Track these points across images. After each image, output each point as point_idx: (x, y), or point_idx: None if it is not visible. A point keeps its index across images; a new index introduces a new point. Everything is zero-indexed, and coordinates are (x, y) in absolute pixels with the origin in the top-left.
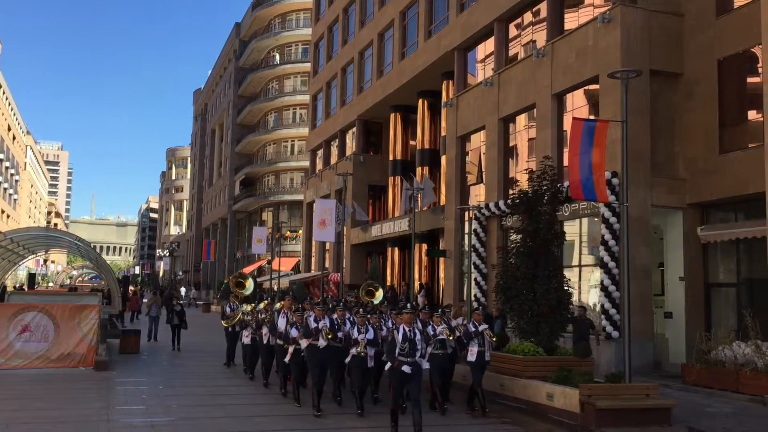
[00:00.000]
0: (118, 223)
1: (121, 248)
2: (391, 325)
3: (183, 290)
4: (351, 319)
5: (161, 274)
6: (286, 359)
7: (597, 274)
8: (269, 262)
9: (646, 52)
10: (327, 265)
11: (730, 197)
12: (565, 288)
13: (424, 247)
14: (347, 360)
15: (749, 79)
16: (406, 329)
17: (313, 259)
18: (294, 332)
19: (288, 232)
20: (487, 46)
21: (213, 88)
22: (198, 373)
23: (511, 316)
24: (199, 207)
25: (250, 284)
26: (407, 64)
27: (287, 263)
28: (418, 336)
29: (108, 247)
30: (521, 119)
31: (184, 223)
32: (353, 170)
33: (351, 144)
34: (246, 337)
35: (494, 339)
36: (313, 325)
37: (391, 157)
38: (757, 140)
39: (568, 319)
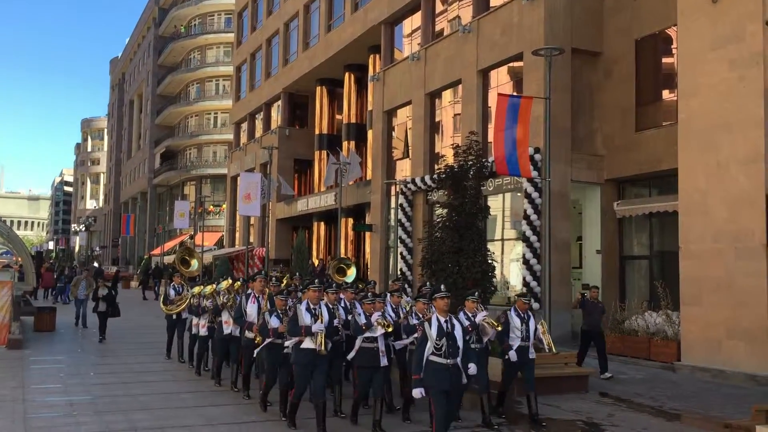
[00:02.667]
0: (29, 197)
1: (33, 223)
2: (391, 312)
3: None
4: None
5: (77, 249)
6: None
7: (519, 248)
8: (192, 237)
9: (568, 30)
10: (252, 239)
11: (644, 173)
12: (489, 261)
13: (351, 221)
14: (351, 355)
15: (664, 59)
16: (441, 320)
17: (237, 234)
18: (275, 322)
19: (211, 207)
20: (414, 21)
21: (131, 57)
22: (119, 350)
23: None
24: (117, 180)
25: (195, 262)
26: (334, 37)
27: (210, 238)
28: (458, 329)
29: (19, 222)
30: (447, 94)
31: (101, 196)
32: (279, 144)
33: (276, 117)
34: (202, 327)
35: (499, 328)
36: (305, 320)
37: (317, 131)
38: (671, 119)
39: (580, 302)
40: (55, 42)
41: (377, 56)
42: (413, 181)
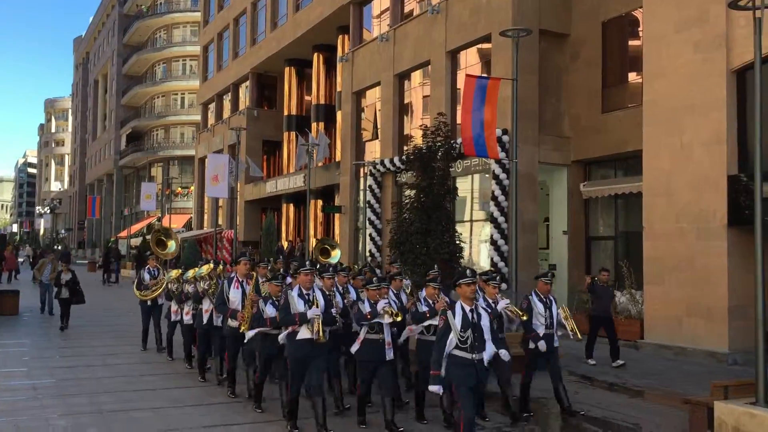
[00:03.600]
0: None
1: None
2: (393, 298)
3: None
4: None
5: (42, 232)
6: (248, 334)
7: (487, 229)
8: (159, 219)
9: (536, 12)
10: (220, 222)
11: (610, 155)
12: (457, 242)
13: (320, 203)
14: (355, 348)
15: (630, 42)
16: (466, 309)
17: (205, 216)
18: (270, 310)
19: (179, 189)
20: (383, 1)
21: (95, 35)
22: (84, 333)
23: (405, 270)
24: (82, 162)
25: (173, 243)
26: (302, 17)
27: (178, 220)
28: (485, 319)
29: None
30: (416, 76)
31: (67, 178)
32: (247, 125)
33: (244, 98)
34: (186, 315)
35: (524, 317)
36: (299, 306)
37: (286, 112)
38: (637, 101)
39: (589, 286)
40: (16, 20)
41: (346, 37)
42: (382, 163)
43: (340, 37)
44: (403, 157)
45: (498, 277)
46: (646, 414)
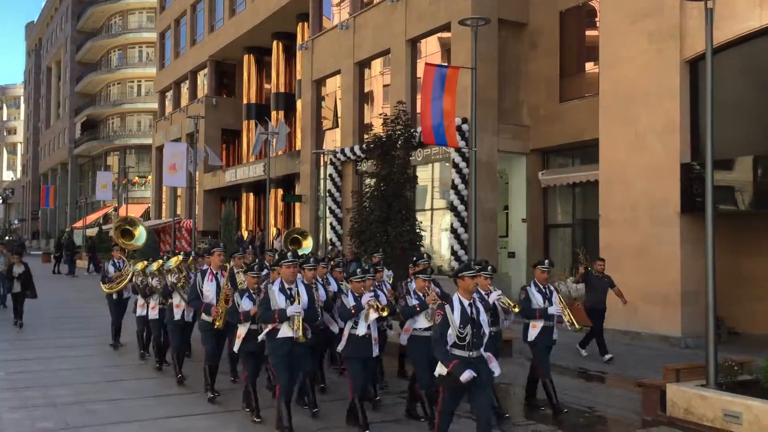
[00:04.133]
0: None
1: None
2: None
3: None
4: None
5: None
6: (235, 347)
7: (447, 217)
8: (116, 209)
9: (495, 1)
10: (179, 211)
11: (568, 143)
12: (417, 231)
13: (280, 192)
14: (340, 348)
15: (588, 32)
16: (465, 303)
17: (164, 206)
18: (246, 304)
19: (136, 178)
20: None
21: (48, 21)
22: (39, 325)
23: (365, 258)
24: (35, 150)
25: (140, 232)
26: (261, 4)
27: (136, 210)
28: (483, 314)
29: None
30: (376, 64)
31: (19, 167)
32: (205, 113)
33: (203, 86)
34: (152, 309)
35: (516, 309)
36: (279, 302)
37: (245, 101)
38: (594, 90)
39: (583, 276)
40: None
41: (306, 24)
42: (342, 151)
43: (300, 24)
44: (364, 145)
45: (491, 267)
46: (601, 397)
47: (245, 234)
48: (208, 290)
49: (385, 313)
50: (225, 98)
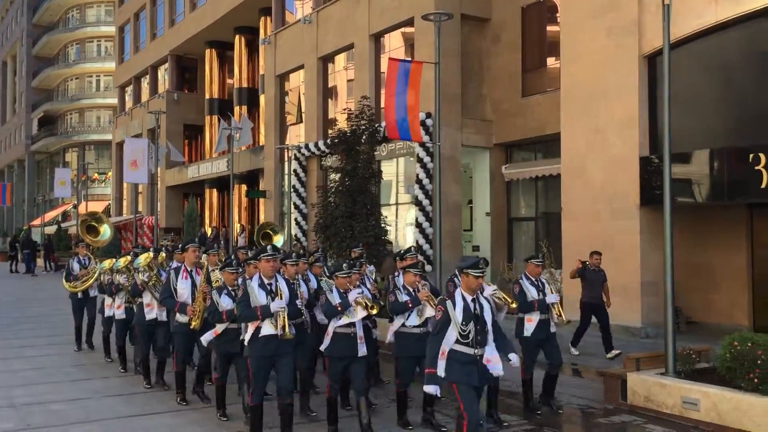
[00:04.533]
0: None
1: None
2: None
3: None
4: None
5: None
6: (205, 339)
7: (412, 212)
8: (75, 207)
9: None
10: (140, 208)
11: (530, 138)
12: (382, 225)
13: (244, 188)
14: (323, 347)
15: (549, 27)
16: (468, 299)
17: (125, 203)
18: (227, 302)
19: (96, 174)
20: None
21: (2, 14)
22: None
23: (330, 253)
24: None
25: (105, 229)
26: None
27: (96, 207)
28: (487, 309)
29: None
30: (340, 59)
31: None
32: (167, 108)
33: (164, 81)
34: (118, 309)
35: (513, 305)
36: (260, 299)
37: (207, 96)
38: (555, 85)
39: (579, 271)
40: None
41: (268, 19)
42: (307, 147)
43: (263, 19)
44: (328, 140)
45: (483, 260)
46: (564, 387)
47: (209, 230)
48: (183, 288)
49: (374, 311)
50: (187, 93)
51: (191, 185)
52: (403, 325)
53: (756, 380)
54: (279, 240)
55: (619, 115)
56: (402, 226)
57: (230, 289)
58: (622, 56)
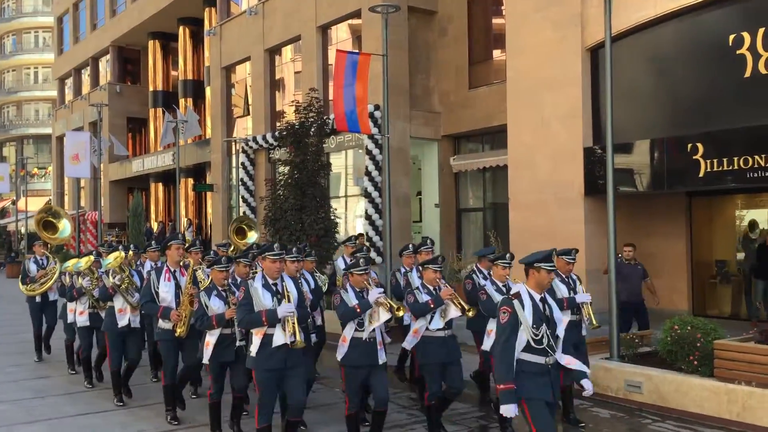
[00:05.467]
0: None
1: None
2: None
3: None
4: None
5: None
6: (205, 357)
7: (362, 204)
8: (14, 203)
9: None
10: (83, 203)
11: (478, 129)
12: (332, 218)
13: (190, 181)
14: (340, 356)
15: (495, 20)
16: (536, 298)
17: (66, 198)
18: (217, 304)
19: (35, 169)
20: None
21: None
22: None
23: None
24: None
25: (65, 225)
26: None
27: (36, 203)
28: (556, 309)
29: None
30: (287, 51)
31: None
32: (109, 101)
33: (105, 72)
34: (80, 315)
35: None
36: (265, 302)
37: (151, 88)
38: (501, 77)
39: (620, 266)
40: None
41: (213, 9)
42: (254, 139)
43: (207, 9)
44: (276, 133)
45: (509, 255)
46: None
47: (154, 225)
48: (165, 291)
49: (400, 313)
50: (129, 85)
51: (136, 179)
52: (426, 328)
53: (696, 362)
54: (252, 236)
55: (564, 106)
56: (352, 218)
57: (220, 289)
58: (565, 49)
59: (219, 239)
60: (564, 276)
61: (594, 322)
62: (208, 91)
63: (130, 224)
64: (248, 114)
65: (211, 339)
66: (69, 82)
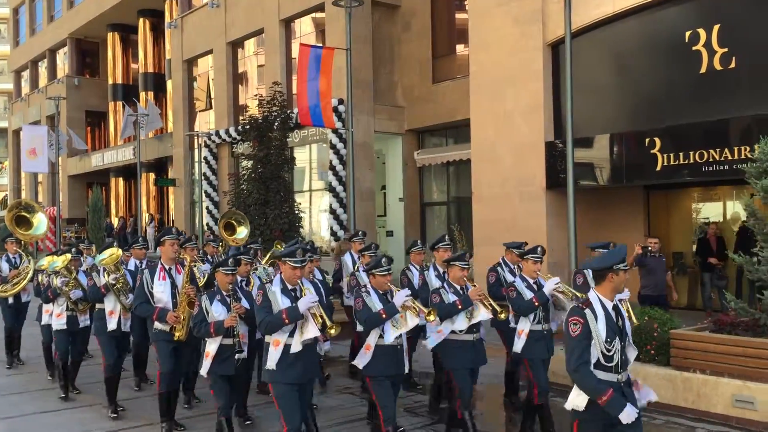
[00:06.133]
0: None
1: None
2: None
3: None
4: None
5: None
6: (203, 369)
7: (326, 198)
8: None
9: None
10: (41, 198)
11: (442, 124)
12: (296, 212)
13: (152, 176)
14: (363, 360)
15: (458, 15)
16: (608, 306)
17: (23, 193)
18: (219, 311)
19: None
20: None
21: None
22: None
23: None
24: None
25: (40, 220)
26: None
27: None
28: (626, 318)
29: None
30: (250, 44)
31: None
32: (67, 94)
33: (63, 65)
34: (57, 317)
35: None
36: (282, 305)
37: (111, 81)
38: (465, 71)
39: (637, 258)
40: None
41: (174, 1)
42: (217, 133)
43: (168, 1)
44: (239, 127)
45: (540, 249)
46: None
47: (115, 221)
48: (161, 291)
49: (431, 318)
50: (88, 78)
51: (95, 174)
52: (453, 331)
53: (653, 351)
54: (242, 232)
55: (526, 101)
56: (316, 212)
57: (225, 294)
58: (527, 44)
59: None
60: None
61: (634, 319)
62: (169, 84)
63: (89, 220)
64: (211, 108)
65: (211, 349)
66: (25, 74)
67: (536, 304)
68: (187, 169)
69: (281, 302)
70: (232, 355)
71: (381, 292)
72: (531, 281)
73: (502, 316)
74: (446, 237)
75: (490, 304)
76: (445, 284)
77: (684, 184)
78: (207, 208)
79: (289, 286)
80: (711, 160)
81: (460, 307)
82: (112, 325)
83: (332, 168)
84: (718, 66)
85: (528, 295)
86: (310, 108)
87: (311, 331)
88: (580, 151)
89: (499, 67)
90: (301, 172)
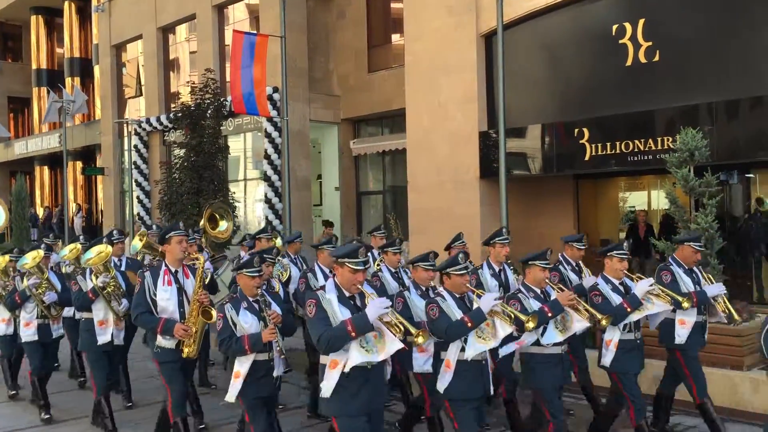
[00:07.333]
0: None
1: None
2: (390, 279)
3: None
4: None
5: None
6: (232, 393)
7: (261, 187)
8: None
9: None
10: None
11: (377, 113)
12: (231, 202)
13: (79, 165)
14: (443, 386)
15: (393, 4)
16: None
17: None
18: (249, 321)
19: None
20: None
21: None
22: None
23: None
24: None
25: (2, 213)
26: None
27: None
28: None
29: None
30: (182, 30)
31: None
32: None
33: None
34: (26, 327)
35: (686, 305)
36: (341, 315)
37: (34, 66)
38: (400, 61)
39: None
40: None
41: None
42: (148, 121)
43: None
44: (171, 115)
45: (582, 236)
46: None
47: (40, 211)
48: (166, 299)
49: (531, 326)
50: (10, 63)
51: (19, 162)
52: (538, 343)
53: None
54: (224, 224)
55: (460, 91)
56: (251, 202)
57: (251, 300)
58: (461, 35)
59: (111, 225)
60: (687, 267)
61: (735, 316)
62: (96, 70)
63: (13, 210)
64: (141, 95)
65: (242, 369)
66: None
67: (628, 310)
68: (117, 158)
69: (340, 314)
70: (269, 372)
71: (458, 295)
72: (617, 282)
73: (604, 322)
74: (381, 226)
75: (586, 310)
76: (521, 287)
77: (611, 174)
78: (138, 197)
79: (347, 294)
80: (636, 150)
81: (550, 314)
82: (104, 337)
83: (267, 157)
84: (643, 59)
85: (616, 300)
86: (244, 96)
87: (393, 343)
88: (512, 141)
89: (434, 58)
90: (235, 161)
